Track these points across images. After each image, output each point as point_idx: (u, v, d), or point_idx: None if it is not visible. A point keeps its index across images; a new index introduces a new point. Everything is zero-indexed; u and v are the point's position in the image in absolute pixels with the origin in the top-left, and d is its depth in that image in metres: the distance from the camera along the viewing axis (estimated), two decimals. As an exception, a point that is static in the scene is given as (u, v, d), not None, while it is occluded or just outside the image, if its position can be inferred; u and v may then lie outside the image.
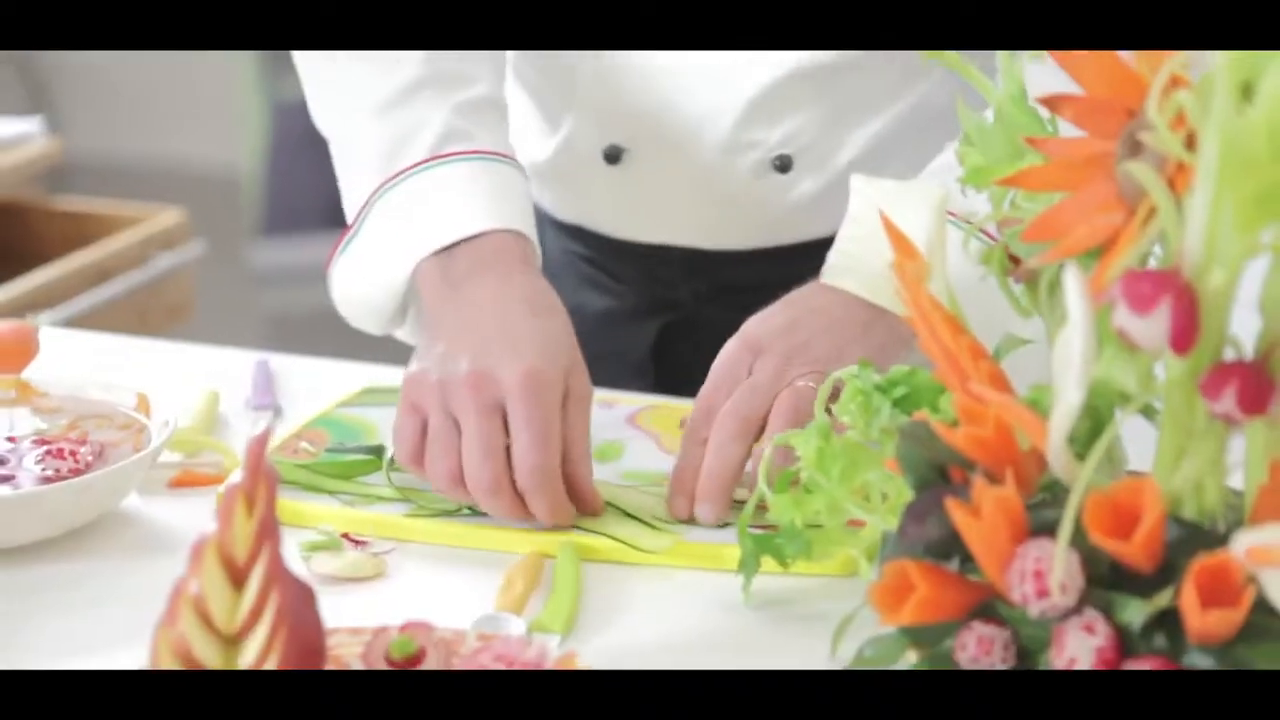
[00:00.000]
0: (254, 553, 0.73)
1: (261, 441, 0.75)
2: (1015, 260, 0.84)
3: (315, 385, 1.22)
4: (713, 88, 1.17)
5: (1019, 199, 0.84)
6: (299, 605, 0.74)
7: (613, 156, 1.21)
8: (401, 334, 1.11)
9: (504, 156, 1.09)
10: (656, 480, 1.03)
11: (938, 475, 0.77)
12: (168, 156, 4.68)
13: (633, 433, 1.11)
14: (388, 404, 1.15)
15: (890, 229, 0.84)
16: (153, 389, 1.07)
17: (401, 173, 1.07)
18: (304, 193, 4.03)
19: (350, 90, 1.12)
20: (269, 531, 0.74)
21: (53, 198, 2.23)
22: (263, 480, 0.74)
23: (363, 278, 1.08)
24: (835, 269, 0.88)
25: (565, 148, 1.24)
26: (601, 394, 1.17)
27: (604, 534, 0.97)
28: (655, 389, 1.25)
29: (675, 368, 1.26)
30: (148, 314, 2.03)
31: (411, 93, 1.09)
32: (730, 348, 1.01)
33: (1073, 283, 0.70)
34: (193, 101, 4.70)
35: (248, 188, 4.18)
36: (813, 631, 0.85)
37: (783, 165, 1.18)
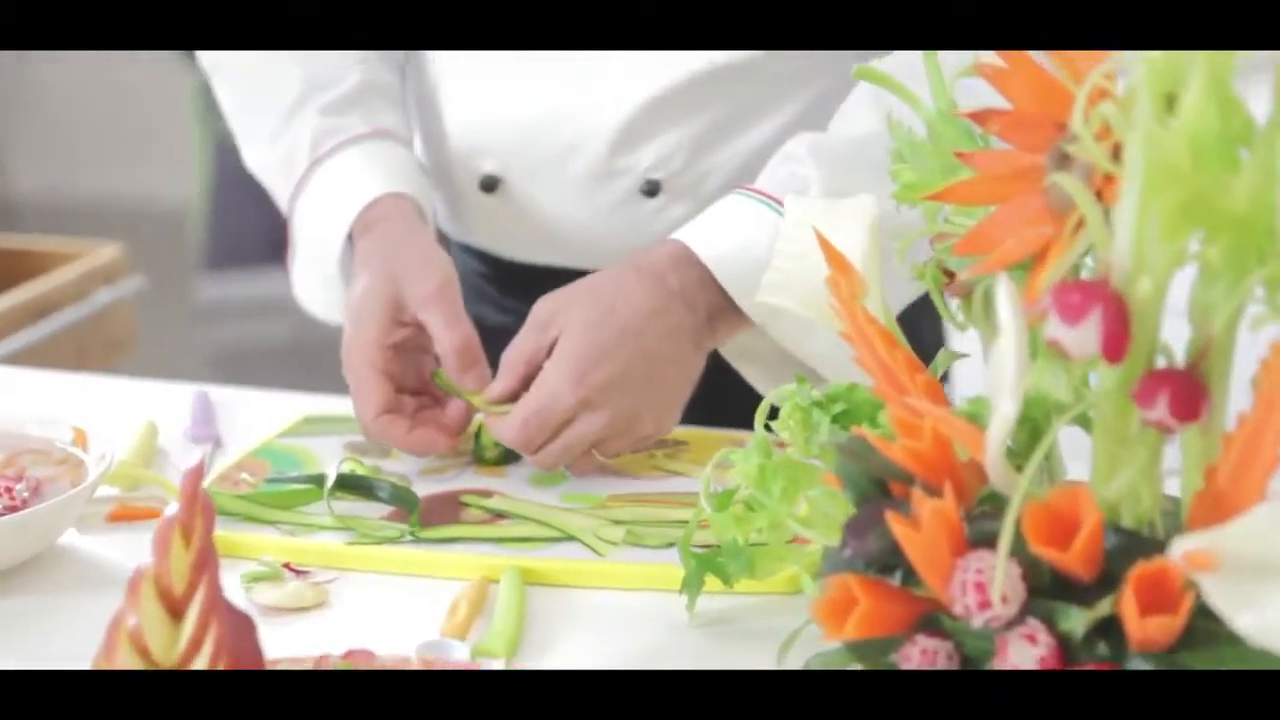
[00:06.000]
0: (192, 584, 0.73)
1: (197, 473, 0.75)
2: (950, 275, 0.85)
3: (255, 417, 1.22)
4: (580, 117, 1.19)
5: (952, 214, 0.85)
6: (238, 636, 0.73)
7: (488, 186, 1.24)
8: None
9: (375, 133, 1.20)
10: (599, 503, 1.03)
11: (877, 489, 0.77)
12: (112, 193, 4.66)
13: (574, 457, 1.11)
14: (326, 433, 1.15)
15: (825, 246, 0.85)
16: (90, 423, 1.06)
17: (297, 185, 1.20)
18: (246, 227, 4.01)
19: (251, 131, 1.25)
20: (207, 563, 0.73)
21: (-9, 236, 2.21)
22: (199, 511, 0.74)
23: (308, 282, 1.21)
24: (772, 286, 0.88)
25: (444, 177, 1.27)
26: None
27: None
28: None
29: None
30: (88, 349, 2.01)
31: (291, 112, 1.22)
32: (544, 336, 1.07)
33: (1005, 295, 0.71)
34: (136, 138, 4.68)
35: (191, 223, 4.16)
36: (758, 649, 0.85)
37: (650, 190, 1.20)
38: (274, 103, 1.22)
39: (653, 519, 1.00)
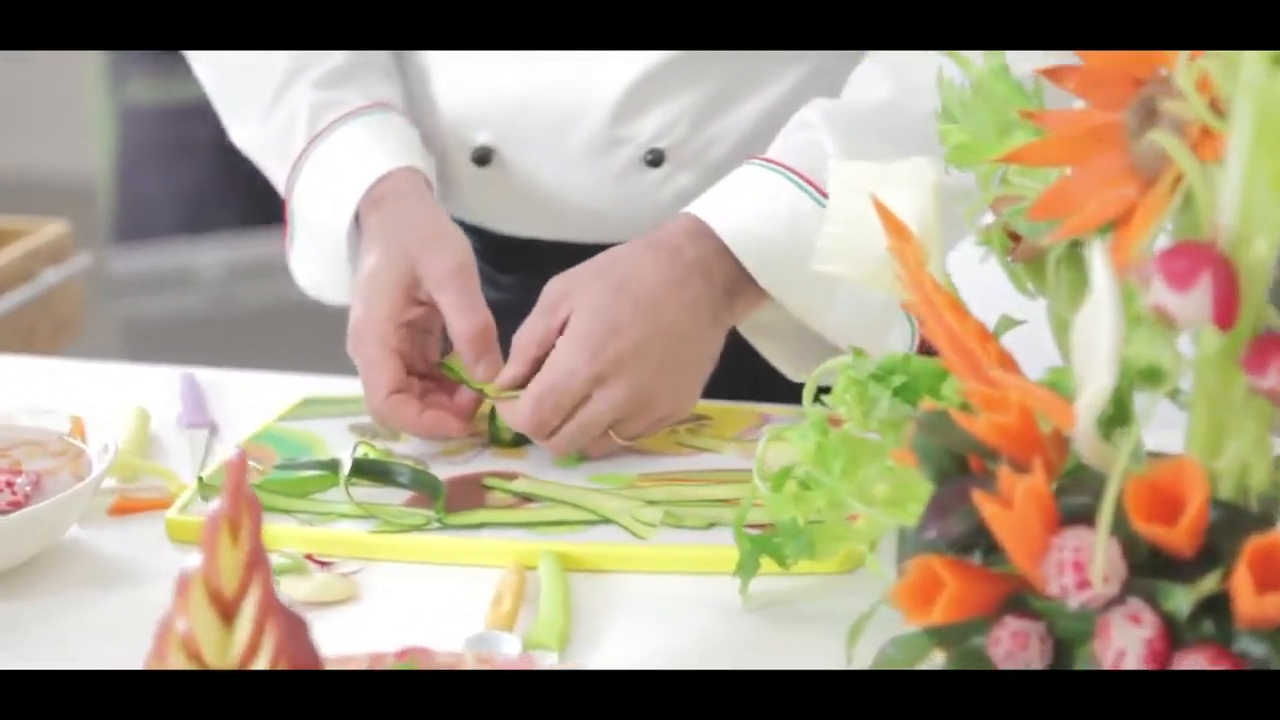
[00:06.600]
0: (244, 584, 0.68)
1: (241, 465, 0.70)
2: (1015, 238, 0.81)
3: (244, 399, 1.17)
4: (579, 85, 1.14)
5: (1012, 175, 0.81)
6: (293, 637, 0.69)
7: (482, 158, 1.19)
8: None
9: (374, 106, 1.15)
10: (629, 483, 0.99)
11: (956, 466, 0.74)
12: (15, 166, 4.53)
13: (592, 434, 1.06)
14: (329, 415, 1.10)
15: (883, 212, 0.81)
16: (87, 412, 1.01)
17: (295, 163, 1.14)
18: (155, 199, 3.92)
19: (239, 109, 1.19)
20: (258, 561, 0.68)
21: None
22: (247, 506, 0.69)
23: (310, 263, 1.16)
24: (826, 254, 0.84)
25: (433, 149, 1.20)
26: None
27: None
28: None
29: None
30: (35, 331, 1.94)
31: (282, 88, 1.15)
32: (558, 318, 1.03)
33: (1099, 261, 0.67)
34: (39, 110, 4.55)
35: (99, 196, 4.05)
36: (817, 632, 0.83)
37: (654, 160, 1.15)
38: (262, 79, 1.16)
39: (688, 498, 0.96)
